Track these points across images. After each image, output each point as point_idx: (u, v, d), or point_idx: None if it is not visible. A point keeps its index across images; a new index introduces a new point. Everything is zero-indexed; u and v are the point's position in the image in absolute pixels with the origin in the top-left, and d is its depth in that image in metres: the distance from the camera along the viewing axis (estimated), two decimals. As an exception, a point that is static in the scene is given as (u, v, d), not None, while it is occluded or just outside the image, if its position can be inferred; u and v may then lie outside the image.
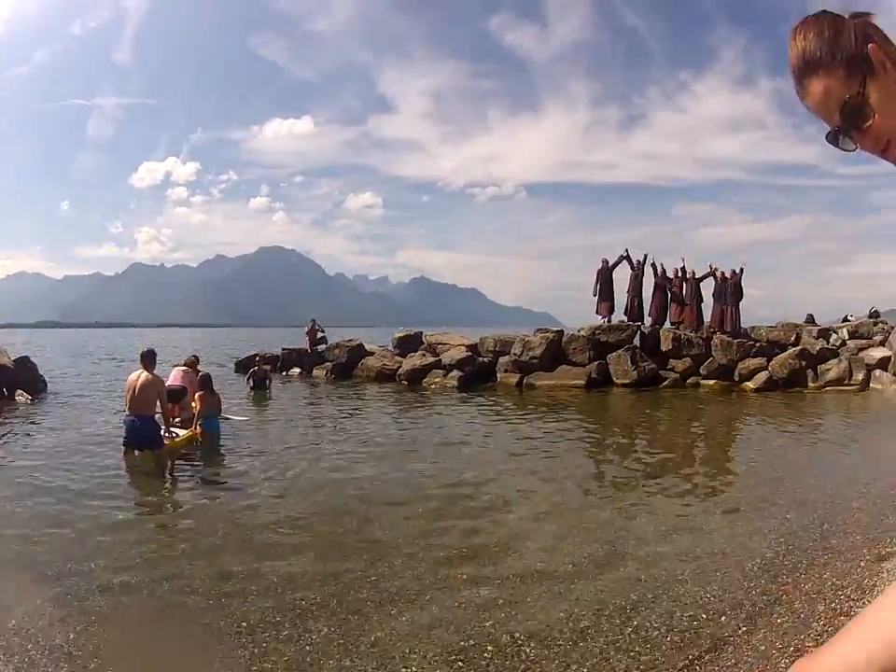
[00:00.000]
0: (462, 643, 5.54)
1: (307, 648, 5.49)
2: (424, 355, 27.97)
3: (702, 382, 25.25)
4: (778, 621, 5.87)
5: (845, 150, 1.69)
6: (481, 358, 27.22)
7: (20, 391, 19.86)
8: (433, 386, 25.52)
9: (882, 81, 1.62)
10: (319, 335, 30.78)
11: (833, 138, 1.70)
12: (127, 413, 11.61)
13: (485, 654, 5.36)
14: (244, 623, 5.88)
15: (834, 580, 6.74)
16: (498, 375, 26.54)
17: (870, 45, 1.62)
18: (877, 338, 25.94)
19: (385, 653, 5.38)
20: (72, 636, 5.55)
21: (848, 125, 1.64)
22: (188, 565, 7.31)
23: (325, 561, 7.53)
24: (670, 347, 26.06)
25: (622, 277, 28.26)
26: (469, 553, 7.76)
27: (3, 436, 14.41)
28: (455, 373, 25.81)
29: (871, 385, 23.98)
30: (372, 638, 5.63)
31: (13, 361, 21.02)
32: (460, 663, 5.24)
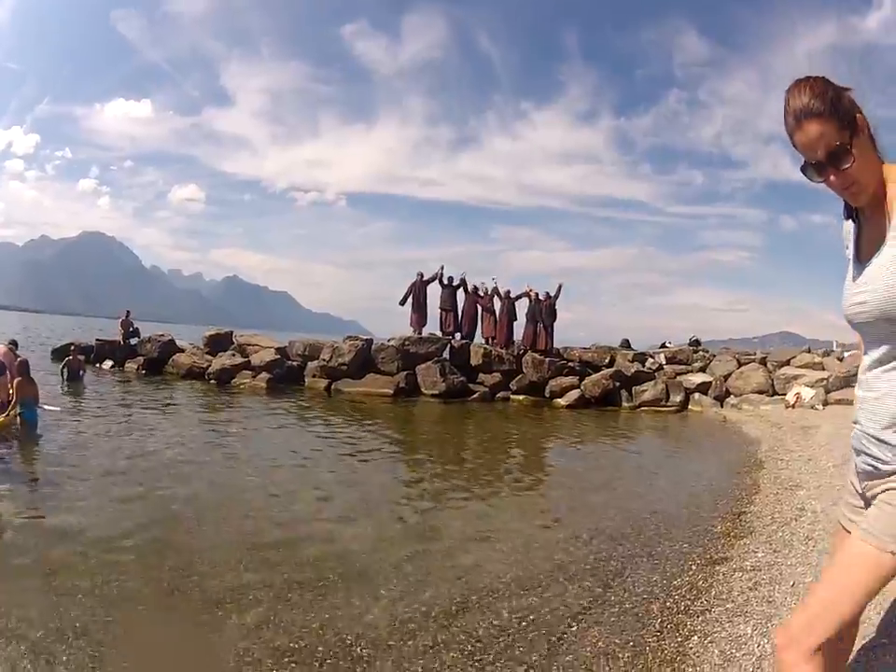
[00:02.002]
0: (292, 644, 5.39)
1: (140, 653, 5.16)
2: (234, 355, 27.45)
3: (512, 396, 25.83)
4: (611, 619, 5.98)
5: (811, 180, 2.46)
6: (290, 362, 26.98)
7: None
8: (242, 387, 25.09)
9: (861, 141, 2.39)
10: (132, 328, 29.68)
11: (806, 169, 2.45)
12: None
13: (317, 654, 5.24)
14: (77, 624, 5.45)
15: (664, 581, 6.94)
16: (307, 379, 26.40)
17: (858, 114, 2.39)
18: (697, 364, 27.77)
19: (217, 656, 5.17)
20: None
21: (829, 163, 2.37)
22: (20, 567, 6.66)
23: (147, 561, 7.11)
24: (480, 362, 26.48)
25: (435, 292, 28.75)
26: (288, 555, 7.55)
27: None
28: (264, 375, 25.50)
29: (690, 406, 25.45)
30: (203, 642, 5.42)
31: None
32: (293, 664, 5.10)
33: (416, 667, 5.05)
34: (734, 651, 4.98)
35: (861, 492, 2.66)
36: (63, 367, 23.07)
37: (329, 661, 5.10)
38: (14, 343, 16.89)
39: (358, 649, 5.31)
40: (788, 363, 26.93)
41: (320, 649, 5.28)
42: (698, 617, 5.84)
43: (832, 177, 2.38)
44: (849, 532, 2.61)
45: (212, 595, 6.22)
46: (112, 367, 28.10)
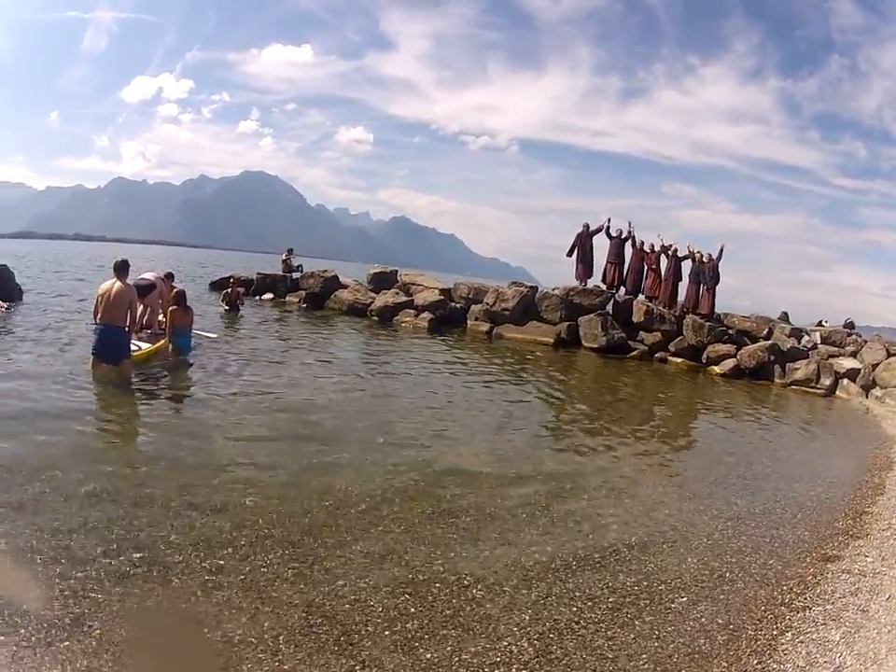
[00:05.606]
0: (411, 577, 5.64)
1: (262, 569, 5.53)
2: (397, 293, 27.70)
3: (670, 358, 25.05)
4: (720, 597, 6.02)
5: None
6: (453, 304, 27.11)
7: (-5, 299, 18.71)
8: (403, 325, 25.41)
9: None
10: (295, 263, 30.43)
11: None
12: (97, 321, 11.34)
13: (433, 590, 5.47)
14: (201, 540, 5.86)
15: (779, 569, 6.87)
16: (469, 322, 26.48)
17: None
18: (849, 349, 25.60)
19: (336, 581, 5.45)
20: (50, 545, 5.50)
21: None
22: (149, 478, 7.21)
23: (283, 482, 7.56)
24: (642, 319, 25.82)
25: (601, 244, 27.88)
26: (425, 488, 7.86)
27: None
28: (427, 315, 25.69)
29: (837, 392, 23.63)
30: (326, 566, 5.69)
31: (-11, 270, 19.72)
32: (408, 595, 5.34)
33: (525, 615, 5.25)
34: (818, 655, 4.95)
35: None
36: (223, 298, 24.06)
37: (442, 598, 5.37)
38: (170, 276, 17.49)
39: (474, 590, 5.55)
40: (938, 361, 24.51)
41: (437, 585, 5.56)
42: (798, 613, 5.78)
43: None
44: None
45: (344, 522, 6.59)
46: (273, 300, 28.79)
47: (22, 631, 4.37)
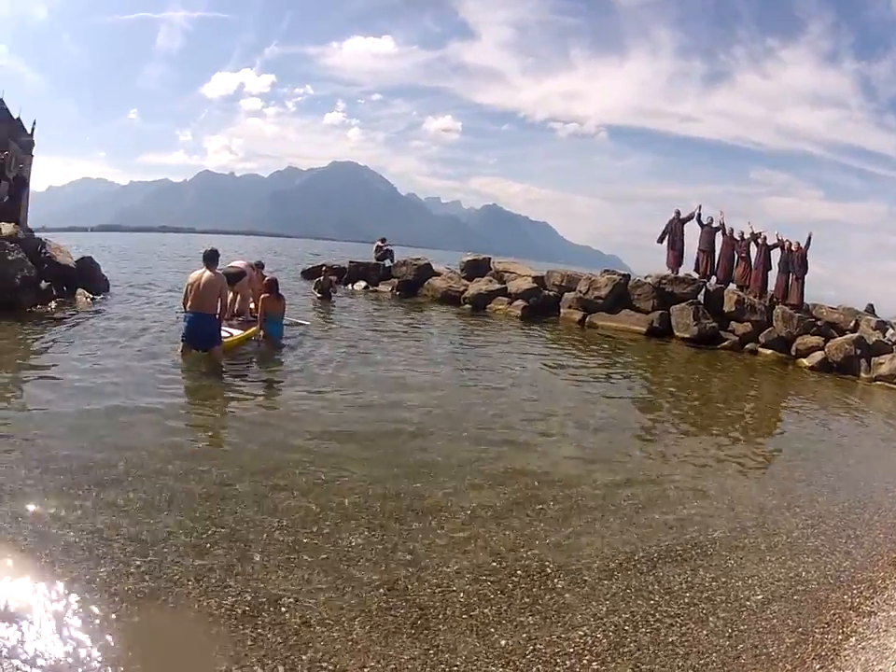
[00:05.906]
0: (494, 564, 5.87)
1: (345, 548, 5.81)
2: (490, 281, 27.81)
3: (760, 350, 24.49)
4: (794, 598, 6.10)
5: None
6: (546, 292, 27.09)
7: (81, 290, 19.12)
8: (497, 313, 25.56)
9: None
10: (387, 251, 30.74)
11: None
12: (186, 309, 11.79)
13: (514, 578, 5.69)
14: (284, 520, 6.20)
15: (851, 571, 6.89)
16: (562, 310, 26.45)
17: None
18: None
19: (419, 564, 5.71)
20: (130, 523, 5.81)
21: None
22: (235, 461, 7.58)
23: (371, 465, 7.86)
24: (733, 309, 25.42)
25: (692, 231, 27.51)
26: (513, 476, 8.09)
27: (62, 336, 13.84)
28: (520, 303, 25.75)
29: None
30: (410, 547, 5.97)
31: (75, 261, 20.16)
32: (489, 582, 5.57)
33: (603, 606, 5.42)
34: (875, 662, 4.93)
35: None
36: (315, 286, 24.58)
37: (522, 585, 5.58)
38: (260, 265, 17.83)
39: (555, 579, 5.75)
40: None
41: (518, 572, 5.77)
42: (864, 618, 5.79)
43: None
44: None
45: (431, 506, 6.88)
46: (365, 288, 29.09)
47: (94, 607, 4.58)
